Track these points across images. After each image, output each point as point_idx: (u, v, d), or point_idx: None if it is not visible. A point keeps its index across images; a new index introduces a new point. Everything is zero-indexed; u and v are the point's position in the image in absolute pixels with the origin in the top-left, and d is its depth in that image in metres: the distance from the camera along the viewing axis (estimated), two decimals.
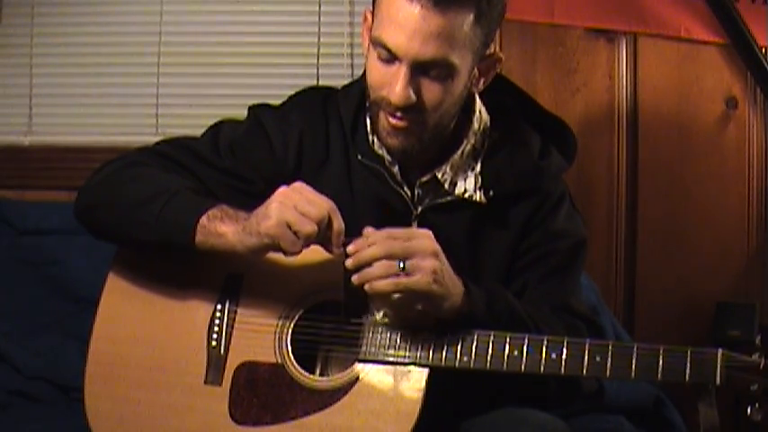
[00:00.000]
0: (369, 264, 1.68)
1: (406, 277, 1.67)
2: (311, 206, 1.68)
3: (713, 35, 2.70)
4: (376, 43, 1.76)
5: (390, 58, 1.74)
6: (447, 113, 1.81)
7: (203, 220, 1.74)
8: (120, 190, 1.83)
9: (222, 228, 1.74)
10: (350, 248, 1.70)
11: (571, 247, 1.91)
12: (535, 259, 1.89)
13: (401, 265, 1.67)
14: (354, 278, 1.69)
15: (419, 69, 1.73)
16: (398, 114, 1.77)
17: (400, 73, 1.73)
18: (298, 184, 1.72)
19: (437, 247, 1.70)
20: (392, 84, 1.74)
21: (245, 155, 1.91)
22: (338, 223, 1.69)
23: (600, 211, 2.75)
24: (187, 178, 1.88)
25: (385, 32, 1.73)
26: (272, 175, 1.89)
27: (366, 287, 1.69)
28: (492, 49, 1.84)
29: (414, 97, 1.74)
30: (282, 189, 1.71)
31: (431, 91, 1.75)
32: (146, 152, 1.93)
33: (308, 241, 1.68)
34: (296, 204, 1.68)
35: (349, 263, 1.69)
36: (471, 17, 1.73)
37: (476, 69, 1.81)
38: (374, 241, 1.69)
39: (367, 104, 1.88)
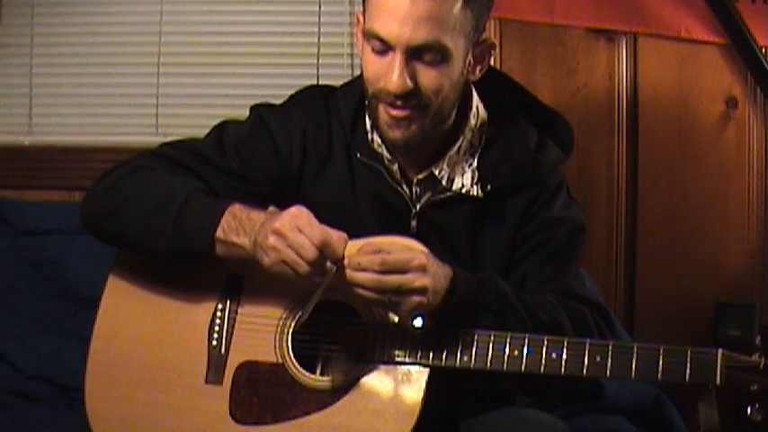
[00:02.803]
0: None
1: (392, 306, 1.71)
2: (301, 251, 1.68)
3: (713, 35, 2.69)
4: (369, 36, 1.77)
5: (384, 48, 1.76)
6: (447, 100, 1.81)
7: (219, 234, 1.76)
8: (129, 198, 1.83)
9: (240, 240, 1.75)
10: (346, 262, 1.70)
11: (569, 233, 1.91)
12: (533, 247, 1.89)
13: (389, 300, 1.68)
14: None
15: (413, 55, 1.75)
16: (399, 104, 1.78)
17: (395, 61, 1.75)
18: (285, 226, 1.69)
19: (428, 281, 1.69)
20: (388, 73, 1.76)
21: (250, 156, 1.91)
22: (335, 251, 1.69)
23: (600, 212, 2.74)
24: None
25: (377, 23, 1.75)
26: (277, 175, 1.90)
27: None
28: (484, 36, 1.85)
29: (410, 84, 1.75)
30: (270, 241, 1.69)
31: (427, 77, 1.76)
32: (150, 156, 1.92)
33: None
34: (286, 260, 1.69)
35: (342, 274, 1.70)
36: (460, 1, 1.74)
37: (470, 56, 1.83)
38: (367, 264, 1.68)
39: (366, 102, 1.89)
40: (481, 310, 1.74)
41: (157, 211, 1.79)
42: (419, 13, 1.72)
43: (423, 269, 1.69)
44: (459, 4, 1.75)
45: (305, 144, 1.91)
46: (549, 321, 1.76)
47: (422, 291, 1.68)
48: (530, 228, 1.89)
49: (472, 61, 1.84)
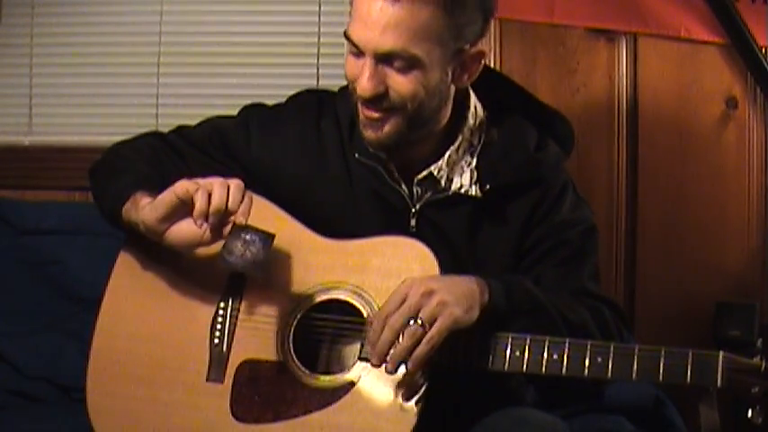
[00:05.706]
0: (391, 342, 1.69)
1: (432, 329, 1.67)
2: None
3: (713, 35, 2.70)
4: (347, 38, 1.80)
5: (358, 52, 1.78)
6: (425, 106, 1.81)
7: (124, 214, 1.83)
8: (100, 174, 1.96)
9: (134, 216, 1.81)
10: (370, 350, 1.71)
11: (581, 235, 1.91)
12: (545, 252, 1.89)
13: (419, 323, 1.67)
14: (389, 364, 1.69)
15: (383, 61, 1.76)
16: (370, 106, 1.80)
17: (365, 65, 1.77)
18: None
19: (442, 296, 1.68)
20: (360, 76, 1.78)
21: (222, 145, 1.98)
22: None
23: (600, 212, 2.73)
24: (179, 165, 1.95)
25: (351, 27, 1.78)
26: (246, 173, 1.93)
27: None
28: (475, 44, 1.82)
29: (379, 88, 1.77)
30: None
31: (397, 82, 1.77)
32: (147, 142, 2.02)
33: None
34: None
35: (375, 361, 1.69)
36: (434, 9, 1.73)
37: (454, 64, 1.81)
38: (381, 325, 1.68)
39: None
40: (514, 312, 1.74)
41: (104, 190, 1.90)
42: (386, 20, 1.72)
43: (429, 294, 1.68)
44: (434, 14, 1.73)
45: (286, 153, 1.94)
46: (576, 321, 1.77)
47: (442, 305, 1.68)
48: (539, 232, 1.89)
49: (459, 69, 1.83)
